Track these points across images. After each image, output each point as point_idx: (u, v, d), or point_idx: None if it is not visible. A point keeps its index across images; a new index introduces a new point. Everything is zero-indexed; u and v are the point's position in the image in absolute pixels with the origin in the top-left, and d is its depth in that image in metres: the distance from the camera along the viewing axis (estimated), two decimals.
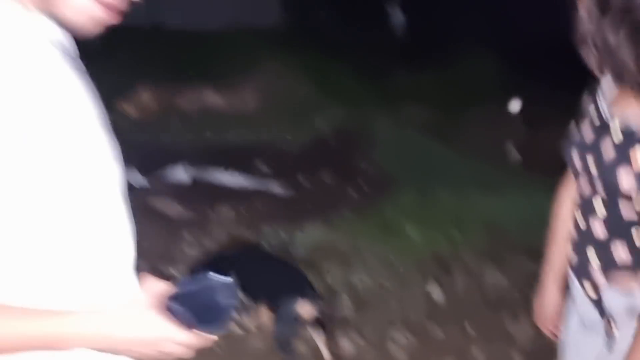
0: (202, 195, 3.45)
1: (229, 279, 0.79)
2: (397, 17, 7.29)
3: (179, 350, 0.78)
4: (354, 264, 2.88)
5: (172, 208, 3.28)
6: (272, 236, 3.07)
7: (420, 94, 5.34)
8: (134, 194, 3.15)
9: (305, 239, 3.07)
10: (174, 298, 0.77)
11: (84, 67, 0.82)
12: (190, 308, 0.75)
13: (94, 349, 0.76)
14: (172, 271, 2.72)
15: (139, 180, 3.51)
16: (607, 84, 1.18)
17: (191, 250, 2.95)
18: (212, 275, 0.78)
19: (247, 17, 6.03)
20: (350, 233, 3.17)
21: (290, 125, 4.48)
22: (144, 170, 3.53)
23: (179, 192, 3.45)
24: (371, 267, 2.86)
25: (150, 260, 2.77)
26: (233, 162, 3.80)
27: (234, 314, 0.78)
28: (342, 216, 3.35)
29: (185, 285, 0.79)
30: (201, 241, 3.01)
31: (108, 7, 0.72)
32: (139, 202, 3.30)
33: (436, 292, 2.75)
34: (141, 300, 0.78)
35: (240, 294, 0.72)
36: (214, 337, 0.79)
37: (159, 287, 0.80)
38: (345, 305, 2.58)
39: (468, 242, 3.14)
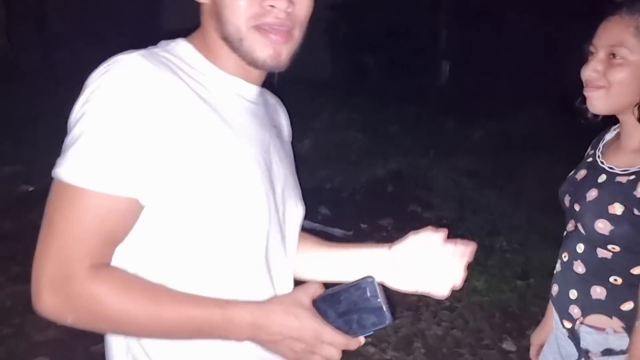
0: None
1: (369, 277, 0.79)
2: (446, 69, 7.48)
3: (330, 353, 0.78)
4: (422, 311, 2.88)
5: None
6: None
7: (472, 144, 5.41)
8: None
9: None
10: (322, 300, 0.79)
11: (262, 110, 0.91)
12: (337, 310, 0.78)
13: (247, 339, 0.77)
14: None
15: None
16: (611, 133, 1.29)
17: None
18: (352, 282, 0.80)
19: (304, 70, 6.29)
20: None
21: (348, 171, 4.59)
22: None
23: None
24: (439, 316, 2.86)
25: None
26: None
27: (385, 316, 0.79)
28: None
29: (331, 290, 0.80)
30: None
31: (271, 29, 0.78)
32: None
33: (507, 343, 2.72)
34: (300, 299, 0.80)
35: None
36: (361, 341, 0.80)
37: (310, 289, 0.82)
38: (418, 355, 2.57)
39: (534, 293, 3.11)
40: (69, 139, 0.73)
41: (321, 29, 7.34)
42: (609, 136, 1.30)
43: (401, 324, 2.76)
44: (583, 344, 1.21)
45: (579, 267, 1.22)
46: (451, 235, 0.96)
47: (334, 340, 0.78)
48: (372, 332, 0.79)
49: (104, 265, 0.74)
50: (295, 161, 0.98)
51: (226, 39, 0.81)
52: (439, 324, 2.80)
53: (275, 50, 0.80)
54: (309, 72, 6.90)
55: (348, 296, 0.79)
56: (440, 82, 7.57)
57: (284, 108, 1.03)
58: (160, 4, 6.88)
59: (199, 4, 0.85)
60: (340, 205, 4.12)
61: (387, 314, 0.78)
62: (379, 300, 0.78)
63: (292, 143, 1.02)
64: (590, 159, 1.29)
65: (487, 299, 3.06)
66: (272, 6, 0.78)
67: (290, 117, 1.05)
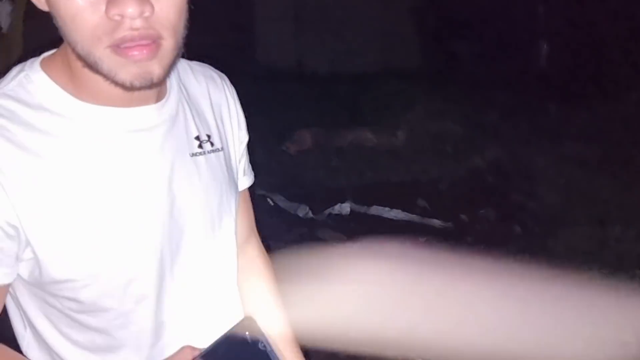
0: (367, 229, 3.61)
1: (245, 321, 0.69)
2: (544, 50, 7.08)
3: None
4: None
5: (340, 240, 3.48)
6: None
7: (578, 130, 5.10)
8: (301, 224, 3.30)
9: None
10: (205, 356, 0.68)
11: (163, 130, 0.77)
12: None
13: None
14: None
15: (306, 212, 3.80)
16: None
17: None
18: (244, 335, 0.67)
19: (393, 62, 6.29)
20: None
21: (446, 163, 4.54)
22: (313, 205, 3.82)
23: (344, 225, 3.65)
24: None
25: None
26: (394, 200, 3.94)
27: None
28: (508, 253, 3.29)
29: (208, 347, 0.68)
30: None
31: (129, 46, 0.64)
32: (308, 233, 3.56)
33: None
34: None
35: None
36: None
37: (182, 354, 0.72)
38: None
39: None
40: None
41: (408, 18, 7.27)
42: None
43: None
44: None
45: None
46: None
47: None
48: None
49: None
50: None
51: (80, 60, 0.67)
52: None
53: (141, 68, 0.66)
54: (399, 63, 6.87)
55: (228, 348, 0.66)
56: (539, 64, 7.16)
57: (223, 88, 0.89)
58: None
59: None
60: (439, 198, 4.08)
61: (276, 357, 0.66)
62: (262, 345, 0.66)
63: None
64: None
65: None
66: (121, 16, 0.62)
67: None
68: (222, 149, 0.85)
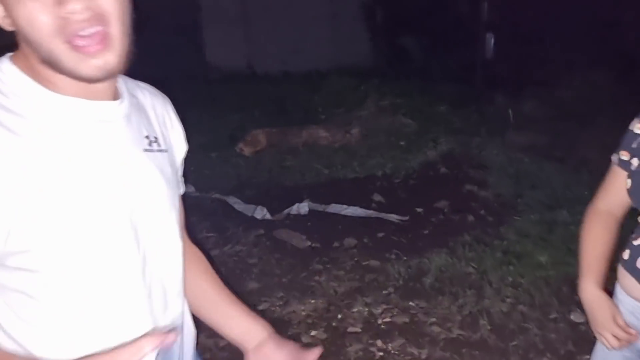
0: (324, 226, 3.61)
1: None
2: (490, 42, 7.27)
3: None
4: (485, 289, 2.87)
5: (298, 239, 3.46)
6: (398, 264, 3.14)
7: (525, 117, 5.27)
8: (259, 226, 3.25)
9: (430, 265, 3.11)
10: None
11: (122, 125, 0.83)
12: None
13: None
14: (311, 300, 2.86)
15: (264, 214, 3.76)
16: None
17: (321, 277, 3.08)
18: None
19: (345, 59, 6.33)
20: (475, 259, 3.17)
21: (399, 157, 4.59)
22: (270, 206, 3.79)
23: (302, 224, 3.64)
24: (504, 292, 2.84)
25: (286, 289, 2.95)
26: (350, 196, 3.96)
27: None
28: (463, 243, 3.36)
29: None
30: (330, 270, 3.15)
31: (82, 41, 0.71)
32: (266, 235, 3.52)
33: (576, 315, 2.66)
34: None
35: None
36: None
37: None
38: (485, 332, 2.57)
39: None
40: None
41: (357, 16, 7.32)
42: None
43: (465, 302, 2.76)
44: None
45: None
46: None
47: None
48: None
49: None
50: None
51: (45, 62, 0.73)
52: (504, 300, 2.78)
53: (99, 60, 0.72)
54: (349, 60, 6.93)
55: None
56: (485, 55, 7.36)
57: (165, 105, 0.97)
58: None
59: None
60: (394, 192, 4.13)
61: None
62: None
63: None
64: None
65: (553, 273, 2.99)
66: (69, 13, 0.70)
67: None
68: (167, 151, 0.93)
